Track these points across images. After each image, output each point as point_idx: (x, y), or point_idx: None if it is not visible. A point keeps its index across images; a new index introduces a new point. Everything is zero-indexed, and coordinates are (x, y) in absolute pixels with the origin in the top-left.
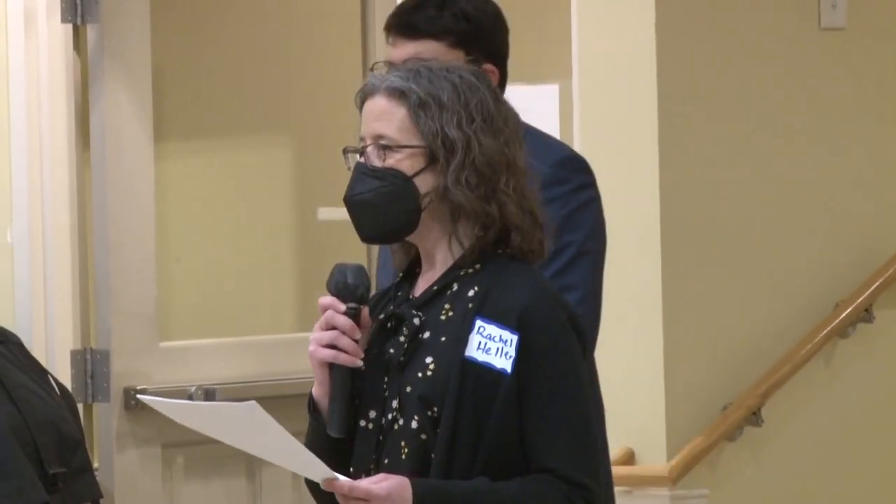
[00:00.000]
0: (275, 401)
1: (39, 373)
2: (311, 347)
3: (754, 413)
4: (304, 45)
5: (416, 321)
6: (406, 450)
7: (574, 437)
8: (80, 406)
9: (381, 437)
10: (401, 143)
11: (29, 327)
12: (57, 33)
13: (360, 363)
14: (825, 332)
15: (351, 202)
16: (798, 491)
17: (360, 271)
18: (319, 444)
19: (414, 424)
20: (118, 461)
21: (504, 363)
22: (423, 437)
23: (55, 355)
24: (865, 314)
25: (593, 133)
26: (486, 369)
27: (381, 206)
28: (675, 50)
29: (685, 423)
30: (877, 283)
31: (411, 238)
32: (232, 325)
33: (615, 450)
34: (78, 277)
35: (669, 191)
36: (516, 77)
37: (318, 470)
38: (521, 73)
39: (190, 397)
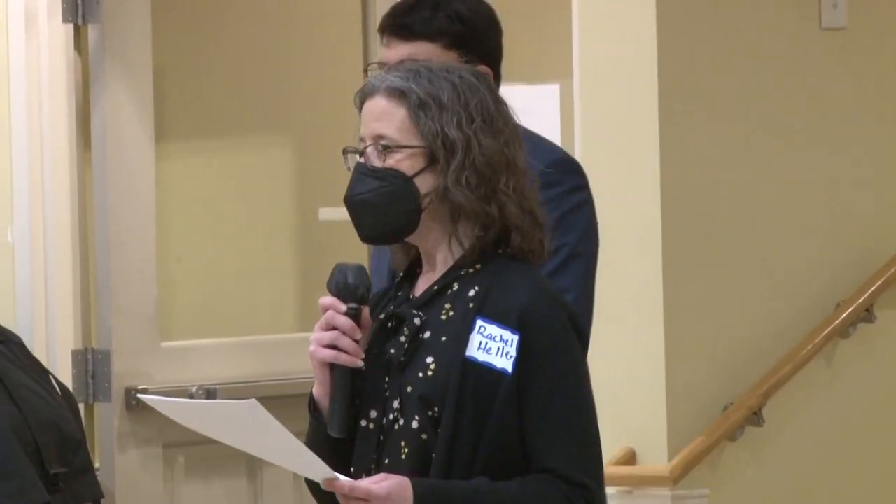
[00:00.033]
0: (275, 401)
1: (40, 373)
2: (312, 348)
3: (755, 413)
4: (305, 45)
5: (417, 321)
6: (406, 450)
7: (574, 436)
8: (81, 406)
9: (381, 437)
10: (401, 144)
11: (30, 327)
12: (58, 33)
13: (360, 363)
14: (826, 332)
15: (351, 202)
16: (799, 491)
17: (360, 271)
18: (320, 444)
19: (414, 424)
20: (119, 461)
21: (505, 363)
22: (424, 436)
23: (56, 355)
24: (866, 314)
25: (594, 133)
26: (487, 369)
27: (381, 207)
28: (676, 50)
29: (686, 423)
30: (878, 283)
31: (411, 238)
32: (233, 325)
33: (616, 450)
34: (79, 277)
35: (670, 190)
36: (517, 77)
37: (319, 470)
38: (522, 73)
39: (191, 397)
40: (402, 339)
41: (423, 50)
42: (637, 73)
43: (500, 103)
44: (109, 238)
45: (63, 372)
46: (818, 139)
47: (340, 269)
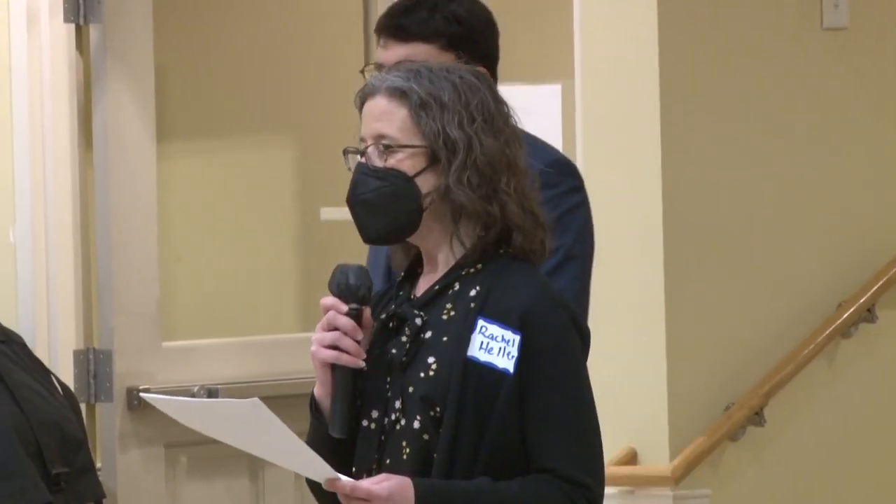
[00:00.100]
0: (277, 401)
1: (42, 373)
2: (314, 348)
3: (757, 413)
4: (307, 45)
5: (418, 321)
6: (408, 450)
7: (576, 436)
8: (82, 406)
9: (383, 438)
10: (402, 143)
11: (32, 327)
12: (59, 33)
13: (362, 364)
14: (828, 332)
15: (353, 202)
16: (801, 491)
17: (361, 272)
18: (321, 444)
19: (416, 424)
20: (121, 461)
21: (506, 363)
22: (426, 437)
23: (58, 355)
24: (868, 314)
25: (595, 133)
26: (489, 369)
27: (382, 207)
28: (678, 50)
29: (687, 423)
30: (879, 283)
31: (412, 239)
32: (234, 325)
33: (618, 450)
34: (81, 277)
35: (671, 191)
36: (518, 77)
37: (320, 470)
38: (523, 74)
39: (193, 397)
40: (404, 339)
41: (419, 51)
42: (638, 74)
43: (501, 103)
44: (111, 238)
45: (65, 372)
46: (819, 139)
47: (342, 270)
